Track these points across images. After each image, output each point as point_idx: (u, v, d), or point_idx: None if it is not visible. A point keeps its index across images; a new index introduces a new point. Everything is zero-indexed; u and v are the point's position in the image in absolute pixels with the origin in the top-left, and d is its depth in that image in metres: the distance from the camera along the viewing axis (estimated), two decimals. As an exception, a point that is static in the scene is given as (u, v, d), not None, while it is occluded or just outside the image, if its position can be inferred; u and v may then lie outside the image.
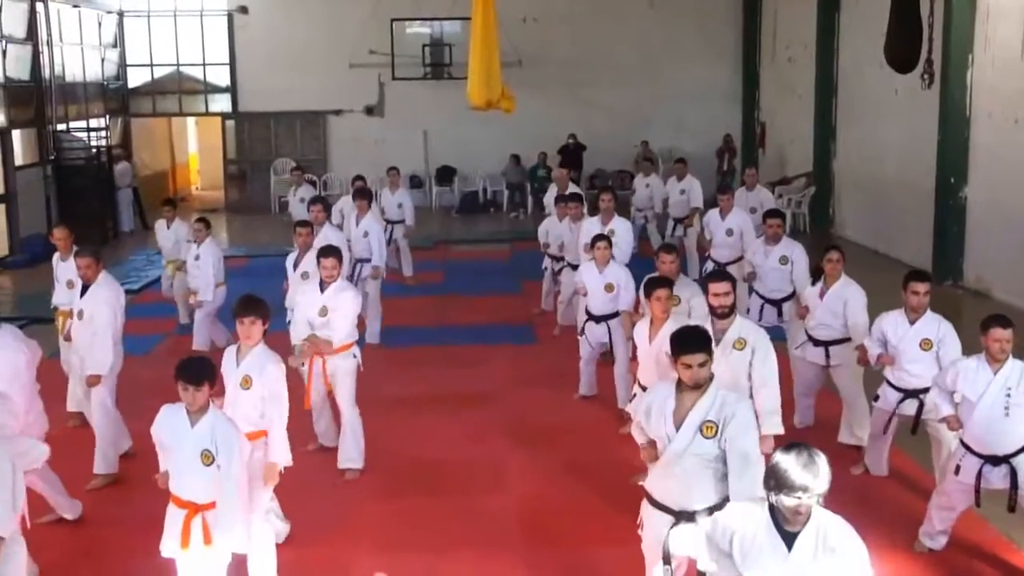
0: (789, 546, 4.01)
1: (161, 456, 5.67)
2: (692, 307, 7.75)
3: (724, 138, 23.70)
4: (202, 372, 5.42)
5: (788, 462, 3.92)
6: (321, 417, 8.61)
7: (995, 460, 6.22)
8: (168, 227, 13.11)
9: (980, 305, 12.93)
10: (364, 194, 12.75)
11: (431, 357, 11.66)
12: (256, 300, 6.57)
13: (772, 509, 4.06)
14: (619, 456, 8.19)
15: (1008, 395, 6.14)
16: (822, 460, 3.93)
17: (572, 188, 14.06)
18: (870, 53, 15.86)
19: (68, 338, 8.95)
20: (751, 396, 6.22)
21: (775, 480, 3.95)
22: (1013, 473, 6.19)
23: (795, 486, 3.89)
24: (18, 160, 19.09)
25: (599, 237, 9.56)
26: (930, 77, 14.97)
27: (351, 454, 8.24)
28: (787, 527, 4.02)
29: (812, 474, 3.89)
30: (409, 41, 23.46)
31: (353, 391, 8.22)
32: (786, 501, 3.93)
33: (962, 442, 6.40)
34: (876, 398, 7.67)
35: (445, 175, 24.56)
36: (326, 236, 10.61)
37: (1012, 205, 13.80)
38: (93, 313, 8.15)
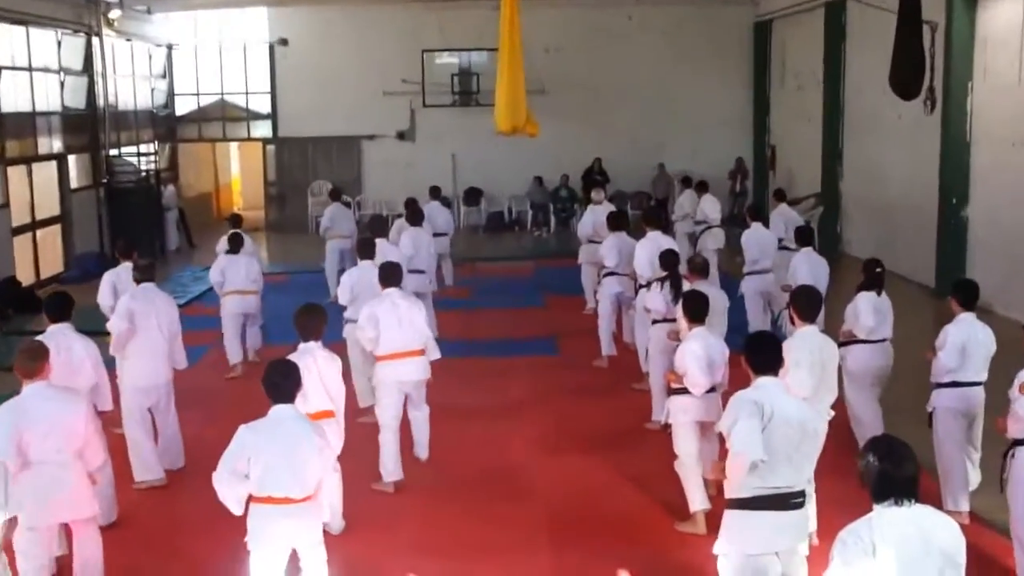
0: None
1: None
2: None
3: (736, 161, 23.69)
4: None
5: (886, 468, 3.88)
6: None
7: None
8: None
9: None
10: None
11: (460, 369, 11.44)
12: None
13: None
14: (643, 466, 8.21)
15: None
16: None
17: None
18: (875, 80, 15.79)
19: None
20: None
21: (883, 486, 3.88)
22: None
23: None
24: (73, 183, 19.26)
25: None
26: (932, 103, 14.97)
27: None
28: None
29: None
30: (439, 70, 23.52)
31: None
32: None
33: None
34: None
35: (472, 196, 24.57)
36: (384, 253, 10.40)
37: (1011, 225, 13.67)
38: None
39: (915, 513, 3.84)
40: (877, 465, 3.84)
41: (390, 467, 8.16)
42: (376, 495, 8.00)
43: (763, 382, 5.07)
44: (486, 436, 9.37)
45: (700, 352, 7.03)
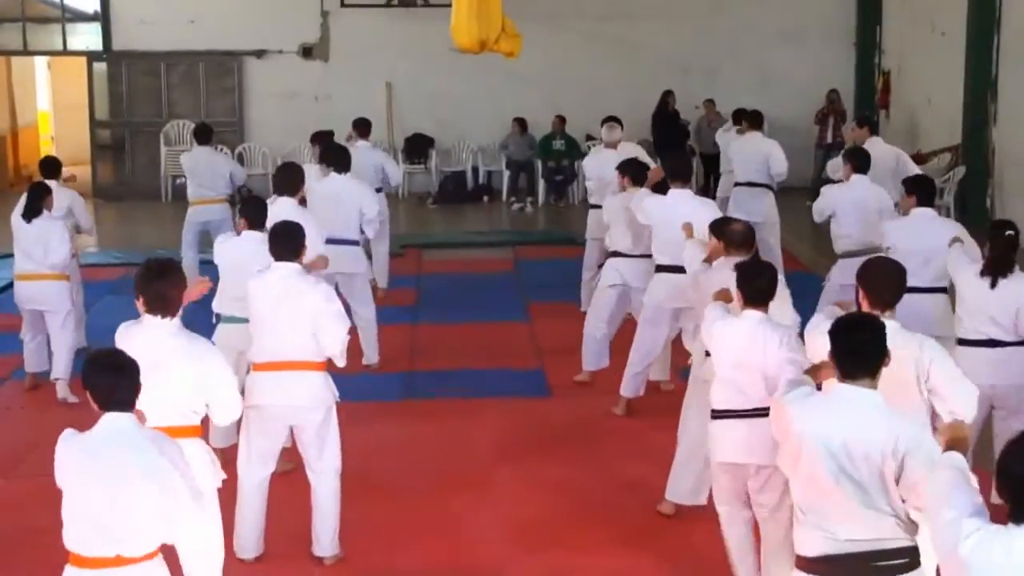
0: None
1: None
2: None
3: (828, 96, 23.69)
4: None
5: None
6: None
7: None
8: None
9: None
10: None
11: (396, 417, 11.63)
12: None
13: None
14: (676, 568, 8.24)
15: None
16: None
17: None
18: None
19: None
20: None
21: None
22: None
23: None
24: None
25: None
26: None
27: None
28: None
29: None
30: (366, -50, 23.75)
31: None
32: None
33: None
34: None
35: (417, 148, 24.63)
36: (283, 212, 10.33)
37: None
38: None
39: None
40: None
41: (244, 537, 8.35)
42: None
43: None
44: (439, 520, 9.34)
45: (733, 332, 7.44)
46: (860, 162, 12.50)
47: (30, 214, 11.86)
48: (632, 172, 11.97)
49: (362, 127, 16.25)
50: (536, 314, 15.15)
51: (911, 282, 9.46)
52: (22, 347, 12.49)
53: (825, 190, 12.63)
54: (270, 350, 8.20)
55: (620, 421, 11.37)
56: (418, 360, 13.49)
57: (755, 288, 7.40)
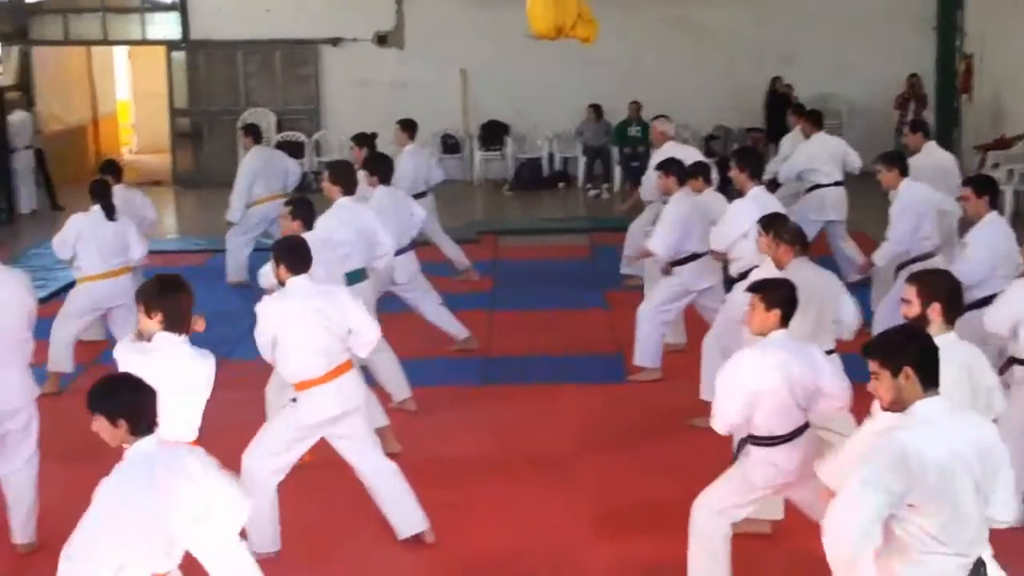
0: None
1: None
2: None
3: (908, 80, 23.52)
4: None
5: None
6: None
7: None
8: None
9: None
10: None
11: (473, 402, 11.68)
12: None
13: None
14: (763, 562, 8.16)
15: None
16: None
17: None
18: None
19: None
20: None
21: None
22: None
23: None
24: None
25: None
26: None
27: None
28: None
29: None
30: (442, -64, 23.80)
31: None
32: None
33: None
34: None
35: (493, 135, 24.70)
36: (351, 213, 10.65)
37: None
38: None
39: None
40: None
41: (268, 534, 8.19)
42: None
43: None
44: (512, 506, 9.38)
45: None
46: (904, 165, 12.21)
47: (112, 212, 12.03)
48: (677, 171, 12.09)
49: (409, 128, 16.23)
50: (613, 301, 15.08)
51: (994, 288, 9.39)
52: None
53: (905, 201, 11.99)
54: (319, 362, 8.07)
55: (698, 407, 11.20)
56: (495, 346, 13.51)
57: (790, 309, 7.25)
